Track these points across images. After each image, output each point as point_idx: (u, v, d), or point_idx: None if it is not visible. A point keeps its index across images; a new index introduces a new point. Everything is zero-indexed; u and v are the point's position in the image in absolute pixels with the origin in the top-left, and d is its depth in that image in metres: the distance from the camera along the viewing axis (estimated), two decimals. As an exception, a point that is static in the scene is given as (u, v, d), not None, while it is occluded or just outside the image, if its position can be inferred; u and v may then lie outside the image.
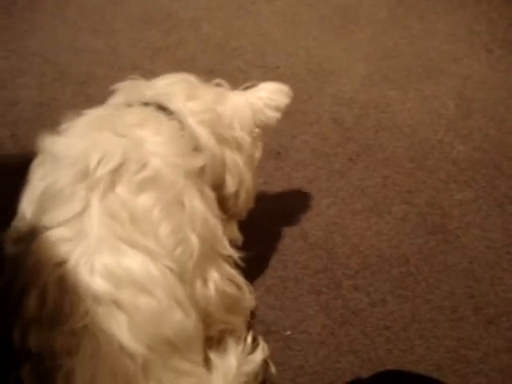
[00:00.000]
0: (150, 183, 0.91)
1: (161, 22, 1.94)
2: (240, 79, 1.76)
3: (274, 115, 1.22)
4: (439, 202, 1.50)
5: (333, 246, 1.42)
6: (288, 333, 1.30)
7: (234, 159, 1.14)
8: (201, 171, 1.02)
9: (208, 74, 1.77)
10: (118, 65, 1.81)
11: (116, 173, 0.88)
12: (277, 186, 1.52)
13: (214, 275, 0.99)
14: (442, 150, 1.59)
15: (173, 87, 1.11)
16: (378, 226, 1.45)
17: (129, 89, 1.12)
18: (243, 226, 1.43)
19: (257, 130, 1.21)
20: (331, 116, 1.65)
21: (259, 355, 1.10)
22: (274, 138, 1.61)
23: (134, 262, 0.85)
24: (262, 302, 1.31)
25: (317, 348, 1.27)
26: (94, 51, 1.86)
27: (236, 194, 1.18)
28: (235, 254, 1.08)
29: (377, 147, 1.60)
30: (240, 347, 1.08)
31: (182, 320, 0.89)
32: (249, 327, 1.24)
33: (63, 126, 0.98)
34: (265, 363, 1.13)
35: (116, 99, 1.11)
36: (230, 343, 1.07)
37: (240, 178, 1.16)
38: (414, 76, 1.75)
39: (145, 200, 0.89)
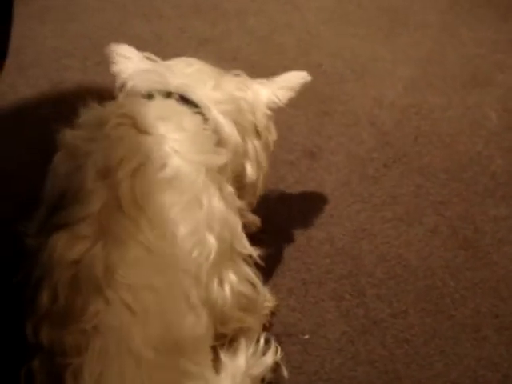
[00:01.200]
0: (169, 183, 0.90)
1: (208, 12, 1.94)
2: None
3: (286, 95, 1.21)
4: (472, 216, 1.47)
5: (359, 253, 1.41)
6: (306, 336, 1.29)
7: (255, 147, 1.15)
8: (223, 167, 1.02)
9: (250, 68, 1.76)
10: (162, 53, 1.81)
11: (135, 174, 0.88)
12: (308, 187, 1.51)
13: (230, 276, 0.99)
14: (481, 162, 1.56)
15: (199, 75, 1.12)
16: (407, 236, 1.43)
17: (151, 74, 1.12)
18: (270, 226, 1.44)
19: (269, 112, 1.19)
20: (370, 119, 1.63)
21: (270, 358, 1.10)
22: (310, 137, 1.60)
23: (149, 265, 0.85)
24: (282, 304, 1.31)
25: (334, 355, 1.27)
26: (140, 37, 1.86)
27: (254, 183, 1.18)
28: (254, 253, 1.07)
29: (413, 154, 1.57)
30: (251, 348, 1.09)
31: (193, 324, 0.90)
32: (267, 327, 1.26)
33: (82, 118, 0.99)
34: (277, 366, 1.14)
35: (138, 85, 1.11)
36: (242, 344, 1.07)
37: (259, 165, 1.17)
38: (458, 84, 1.71)
39: (164, 201, 0.89)
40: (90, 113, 0.99)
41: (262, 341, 1.10)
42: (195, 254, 0.91)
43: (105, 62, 1.81)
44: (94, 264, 0.83)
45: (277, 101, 1.19)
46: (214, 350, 1.07)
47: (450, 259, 1.40)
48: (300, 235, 1.43)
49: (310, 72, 1.82)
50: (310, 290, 1.35)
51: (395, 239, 1.43)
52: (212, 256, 0.93)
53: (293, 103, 1.69)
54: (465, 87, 1.71)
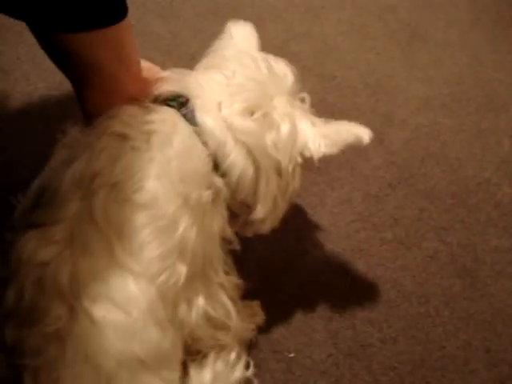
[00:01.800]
0: (143, 207, 0.87)
1: (226, 15, 1.90)
2: (294, 85, 1.73)
3: (328, 148, 1.03)
4: (473, 244, 1.43)
5: (354, 274, 1.38)
6: (291, 355, 1.28)
7: (271, 188, 1.01)
8: (214, 197, 0.96)
9: (263, 75, 1.76)
10: (176, 53, 1.81)
11: (113, 188, 0.86)
12: (309, 202, 1.48)
13: (199, 301, 0.96)
14: (488, 189, 1.51)
15: (237, 94, 0.97)
16: (404, 260, 1.40)
17: (182, 79, 1.01)
18: (265, 237, 1.42)
19: (299, 159, 1.03)
20: (379, 136, 1.60)
21: (238, 372, 1.08)
22: (316, 151, 1.57)
23: (114, 279, 0.84)
24: (270, 319, 1.29)
25: (317, 376, 1.25)
26: (156, 36, 1.86)
27: (263, 220, 1.06)
28: (227, 284, 1.04)
29: (420, 176, 1.53)
30: (219, 363, 1.08)
31: (157, 339, 0.88)
32: (251, 342, 1.24)
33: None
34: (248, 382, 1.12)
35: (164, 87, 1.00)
36: (210, 358, 1.06)
37: (270, 207, 1.04)
38: (473, 106, 1.67)
39: (135, 221, 0.86)
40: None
41: (232, 355, 1.09)
42: (162, 278, 0.87)
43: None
44: (60, 270, 0.82)
45: (315, 150, 1.02)
46: (185, 365, 1.07)
47: (446, 287, 1.37)
48: (295, 250, 1.41)
49: (324, 84, 1.82)
50: (300, 307, 1.33)
51: (392, 262, 1.40)
52: (181, 282, 0.90)
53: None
54: (479, 110, 1.66)
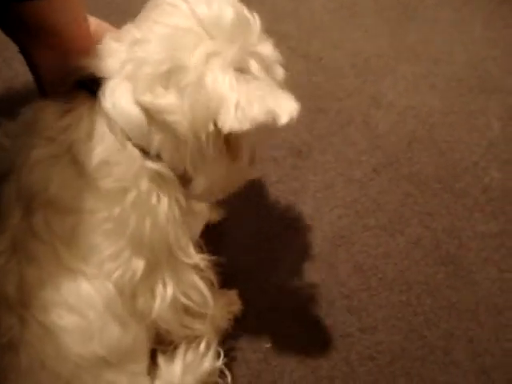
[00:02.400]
0: (87, 213, 0.84)
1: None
2: (279, 66, 1.68)
3: (233, 126, 0.80)
4: (458, 230, 1.38)
5: (335, 261, 1.35)
6: (268, 345, 1.25)
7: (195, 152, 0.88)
8: (160, 181, 0.88)
9: (248, 56, 1.72)
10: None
11: (51, 203, 0.82)
12: (290, 187, 1.44)
13: (166, 292, 0.93)
14: (475, 173, 1.46)
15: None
16: (386, 247, 1.36)
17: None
18: (245, 224, 1.39)
19: (211, 126, 0.83)
20: (365, 119, 1.55)
21: (208, 363, 1.06)
22: (299, 134, 1.53)
23: (66, 284, 0.82)
24: (248, 309, 1.26)
25: (294, 367, 1.22)
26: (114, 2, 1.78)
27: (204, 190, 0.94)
28: (202, 262, 0.99)
29: (405, 160, 1.48)
30: (190, 354, 1.05)
31: (118, 336, 0.87)
32: (225, 333, 1.22)
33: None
34: (220, 373, 1.11)
35: None
36: (180, 349, 1.04)
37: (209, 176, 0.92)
38: (464, 87, 1.61)
39: (81, 227, 0.83)
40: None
41: (202, 346, 1.07)
42: (117, 274, 0.85)
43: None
44: (6, 281, 0.81)
45: (223, 122, 0.80)
46: (155, 356, 1.05)
47: (429, 275, 1.33)
48: (275, 238, 1.37)
49: (310, 65, 1.77)
50: (279, 296, 1.30)
51: (374, 249, 1.36)
52: (138, 276, 0.87)
53: (287, 96, 1.65)
54: (470, 91, 1.60)
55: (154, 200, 0.87)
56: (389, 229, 1.39)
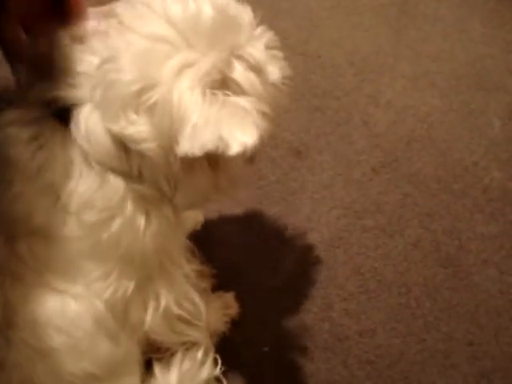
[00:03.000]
0: (71, 239, 0.81)
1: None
2: (277, 65, 1.66)
3: (185, 150, 0.74)
4: (458, 232, 1.37)
5: (333, 263, 1.33)
6: (266, 349, 1.23)
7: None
8: (150, 199, 0.84)
9: (245, 54, 1.69)
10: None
11: (35, 232, 0.80)
12: (288, 188, 1.42)
13: (156, 302, 0.91)
14: (475, 173, 1.44)
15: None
16: (385, 248, 1.35)
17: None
18: (242, 226, 1.38)
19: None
20: (363, 118, 1.53)
21: (206, 372, 1.04)
22: (298, 134, 1.51)
23: (49, 305, 0.80)
24: (245, 311, 1.25)
25: (291, 371, 1.21)
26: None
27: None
28: (191, 273, 0.98)
29: (404, 160, 1.46)
30: (186, 361, 1.04)
31: (109, 351, 0.85)
32: (222, 337, 1.20)
33: None
34: (217, 381, 1.08)
35: None
36: (177, 357, 1.03)
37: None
38: (463, 85, 1.59)
39: (67, 251, 0.81)
40: None
41: (199, 354, 1.05)
42: (108, 293, 0.83)
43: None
44: None
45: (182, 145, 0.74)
46: (150, 364, 1.03)
47: (428, 277, 1.31)
48: (273, 239, 1.36)
49: (308, 63, 1.75)
50: (276, 299, 1.28)
51: (372, 251, 1.34)
52: (129, 292, 0.85)
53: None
54: (469, 89, 1.58)
55: (140, 221, 0.83)
56: (388, 230, 1.37)
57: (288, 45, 1.69)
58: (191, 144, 0.72)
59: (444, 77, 1.61)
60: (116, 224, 0.80)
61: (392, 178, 1.45)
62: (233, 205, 1.39)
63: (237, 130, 0.72)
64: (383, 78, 1.61)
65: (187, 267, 0.96)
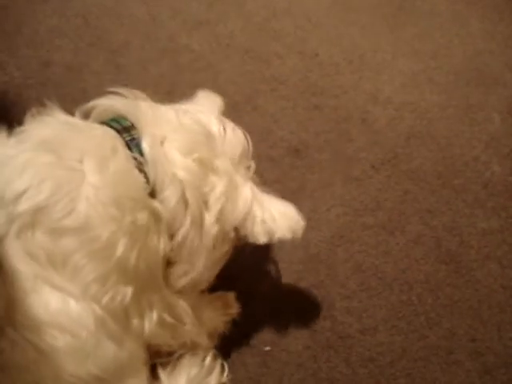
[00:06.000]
0: (74, 231, 0.81)
1: (206, -5, 1.85)
2: (275, 64, 1.66)
3: (257, 238, 0.96)
4: (459, 227, 1.36)
5: (334, 261, 1.32)
6: (267, 348, 1.23)
7: (193, 241, 0.92)
8: (156, 218, 0.88)
9: (243, 54, 1.70)
10: (154, 36, 1.75)
11: (39, 212, 0.79)
12: (288, 187, 1.42)
13: (152, 314, 0.91)
14: (476, 168, 1.44)
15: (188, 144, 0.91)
16: (386, 246, 1.34)
17: (135, 105, 0.94)
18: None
19: (232, 233, 0.97)
20: (362, 115, 1.53)
21: (214, 380, 1.04)
22: (297, 132, 1.51)
23: (52, 303, 0.79)
24: (246, 311, 1.24)
25: (294, 370, 1.20)
26: (135, 18, 1.79)
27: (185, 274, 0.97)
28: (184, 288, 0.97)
29: (404, 156, 1.46)
30: (194, 368, 1.03)
31: (113, 353, 0.85)
32: (222, 337, 1.20)
33: (22, 128, 0.89)
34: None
35: (110, 102, 0.95)
36: (184, 364, 1.02)
37: (192, 264, 0.95)
38: (462, 81, 1.58)
39: (66, 245, 0.80)
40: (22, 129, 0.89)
41: (207, 360, 1.06)
42: (107, 298, 0.83)
43: (96, 43, 1.79)
44: None
45: (254, 234, 0.95)
46: (155, 369, 1.03)
47: (429, 273, 1.31)
48: (273, 238, 1.35)
49: (305, 61, 1.75)
50: (278, 298, 1.28)
51: (373, 248, 1.34)
52: (127, 299, 0.85)
53: (283, 94, 1.62)
54: (468, 85, 1.58)
55: (146, 232, 0.86)
56: (388, 227, 1.37)
57: (286, 43, 1.70)
58: (266, 233, 0.95)
59: (443, 72, 1.60)
60: (125, 222, 0.83)
61: (392, 174, 1.44)
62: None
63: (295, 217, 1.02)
64: (382, 75, 1.61)
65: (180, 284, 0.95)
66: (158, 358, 1.03)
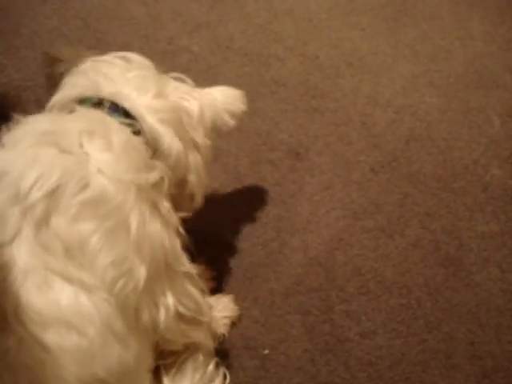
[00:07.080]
0: (90, 207, 0.82)
1: (207, -3, 1.85)
2: (275, 67, 1.66)
3: (230, 121, 1.13)
4: (458, 231, 1.36)
5: (333, 264, 1.32)
6: (266, 351, 1.23)
7: (196, 160, 1.07)
8: (158, 183, 0.94)
9: (243, 57, 1.70)
10: (154, 37, 1.75)
11: (52, 196, 0.80)
12: (287, 190, 1.42)
13: (167, 299, 0.92)
14: (475, 172, 1.44)
15: (139, 82, 1.01)
16: (385, 249, 1.34)
17: (82, 79, 1.00)
18: (242, 228, 1.37)
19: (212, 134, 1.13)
20: (361, 119, 1.52)
21: None
22: (296, 135, 1.51)
23: (63, 298, 0.78)
24: (245, 314, 1.25)
25: (292, 373, 1.20)
26: (134, 20, 1.79)
27: (193, 195, 1.11)
28: (193, 270, 0.99)
29: (404, 160, 1.46)
30: (197, 375, 1.03)
31: (119, 355, 0.83)
32: (222, 339, 1.20)
33: (5, 137, 0.88)
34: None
35: (67, 91, 1.00)
36: (188, 370, 1.02)
37: (200, 179, 1.09)
38: (461, 83, 1.58)
39: (82, 228, 0.81)
40: (10, 132, 0.89)
41: (210, 367, 1.06)
42: (120, 284, 0.82)
43: (96, 45, 1.79)
44: (4, 298, 0.77)
45: (221, 126, 1.13)
46: (158, 373, 1.03)
47: (429, 277, 1.30)
48: (272, 241, 1.35)
49: (305, 64, 1.75)
50: (276, 302, 1.28)
51: (372, 251, 1.34)
52: (141, 285, 0.85)
53: (283, 97, 1.62)
54: (468, 88, 1.57)
55: (154, 200, 0.91)
56: (387, 230, 1.37)
57: (286, 46, 1.70)
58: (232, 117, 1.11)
59: (443, 75, 1.60)
60: (130, 198, 0.87)
61: (391, 177, 1.44)
62: (231, 208, 1.39)
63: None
64: (382, 78, 1.61)
65: (189, 266, 0.98)
66: (160, 360, 1.03)
